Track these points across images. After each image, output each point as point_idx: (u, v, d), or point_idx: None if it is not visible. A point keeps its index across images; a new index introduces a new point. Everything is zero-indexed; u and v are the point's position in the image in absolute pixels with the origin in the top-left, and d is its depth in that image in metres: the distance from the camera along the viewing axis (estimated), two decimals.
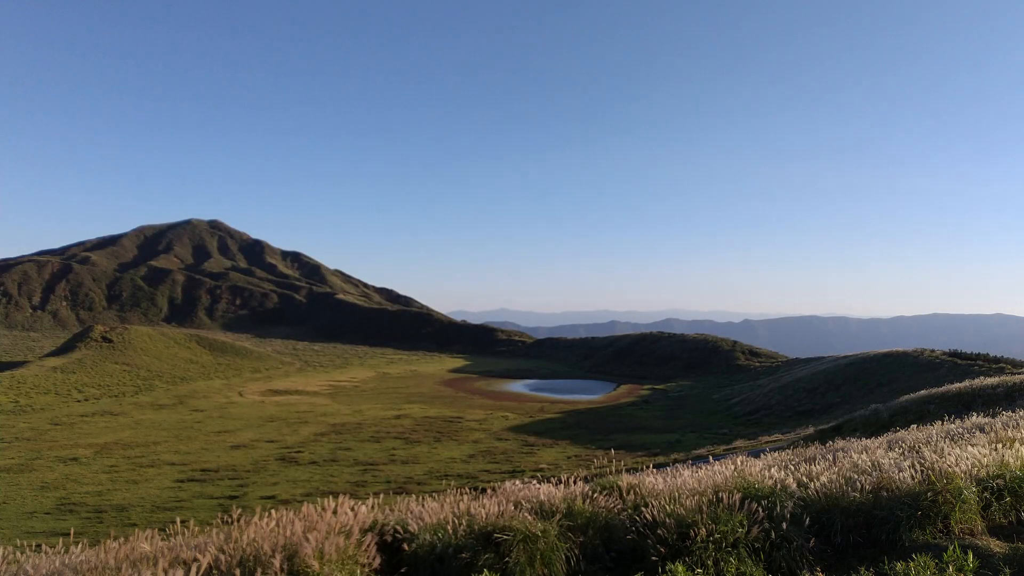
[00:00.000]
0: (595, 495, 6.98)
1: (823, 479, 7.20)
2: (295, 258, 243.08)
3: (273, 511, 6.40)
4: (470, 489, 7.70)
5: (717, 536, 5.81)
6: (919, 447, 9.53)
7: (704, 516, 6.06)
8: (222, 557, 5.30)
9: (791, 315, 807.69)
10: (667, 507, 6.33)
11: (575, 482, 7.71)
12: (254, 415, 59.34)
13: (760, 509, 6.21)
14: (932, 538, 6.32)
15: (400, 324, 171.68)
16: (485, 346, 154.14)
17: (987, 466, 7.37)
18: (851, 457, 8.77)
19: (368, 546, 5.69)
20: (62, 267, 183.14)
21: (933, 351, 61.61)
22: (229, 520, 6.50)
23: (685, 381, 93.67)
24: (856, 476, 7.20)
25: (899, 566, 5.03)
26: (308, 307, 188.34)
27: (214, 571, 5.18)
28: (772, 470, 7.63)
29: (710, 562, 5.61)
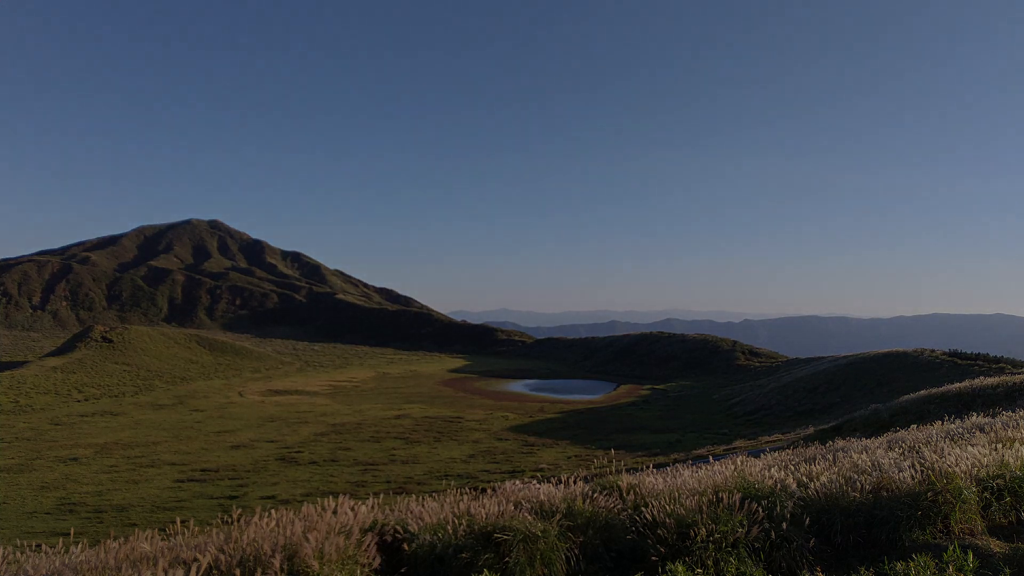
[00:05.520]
0: (595, 495, 6.98)
1: (823, 479, 7.20)
2: (295, 258, 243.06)
3: (273, 511, 6.40)
4: (470, 489, 7.71)
5: (717, 536, 5.81)
6: (919, 447, 9.53)
7: (704, 516, 6.07)
8: (222, 557, 5.31)
9: (791, 315, 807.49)
10: (667, 507, 6.33)
11: (575, 482, 7.72)
12: (254, 415, 59.32)
13: (760, 509, 6.21)
14: (932, 538, 6.32)
15: (400, 324, 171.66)
16: (485, 346, 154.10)
17: (987, 466, 7.37)
18: (851, 457, 8.77)
19: (368, 546, 5.69)
20: (62, 267, 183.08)
21: (933, 351, 61.60)
22: (229, 520, 6.51)
23: (685, 381, 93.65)
24: (856, 476, 7.20)
25: (899, 566, 5.03)
26: (308, 307, 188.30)
27: (214, 571, 5.18)
28: (772, 470, 7.64)
29: (710, 562, 5.61)
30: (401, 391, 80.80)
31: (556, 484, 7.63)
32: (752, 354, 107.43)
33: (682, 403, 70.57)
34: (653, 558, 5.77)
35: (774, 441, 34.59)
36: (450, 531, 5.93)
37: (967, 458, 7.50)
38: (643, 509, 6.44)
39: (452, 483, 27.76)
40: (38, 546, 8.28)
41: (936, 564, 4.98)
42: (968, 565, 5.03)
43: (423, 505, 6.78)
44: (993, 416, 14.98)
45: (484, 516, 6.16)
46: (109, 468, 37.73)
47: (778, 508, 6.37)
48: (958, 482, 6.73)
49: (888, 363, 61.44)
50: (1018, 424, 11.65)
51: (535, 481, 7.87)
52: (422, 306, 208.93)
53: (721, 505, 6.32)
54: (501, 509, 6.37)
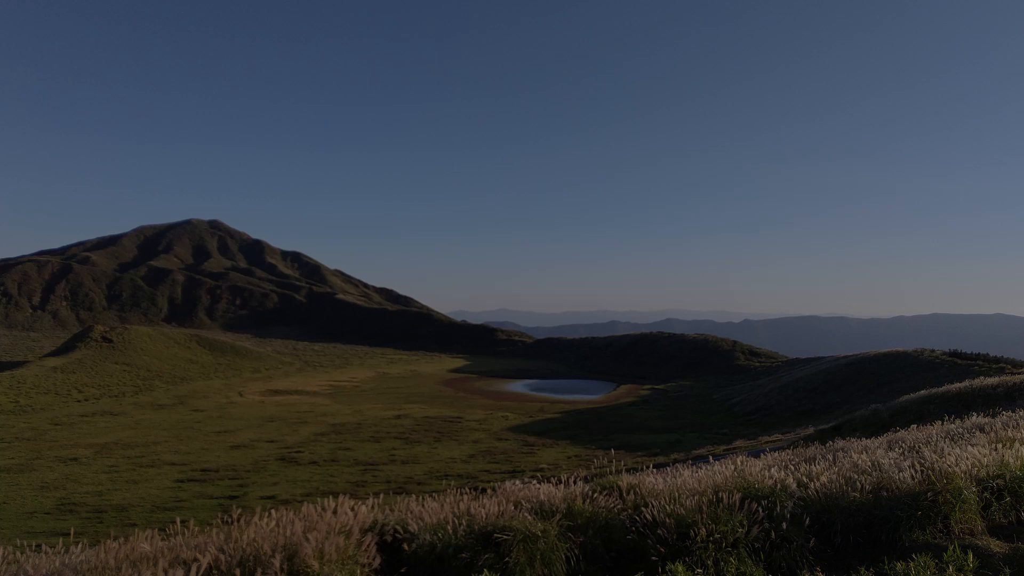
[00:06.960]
0: (595, 495, 6.97)
1: (823, 479, 7.19)
2: (295, 258, 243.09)
3: (273, 511, 6.40)
4: (470, 489, 7.70)
5: (717, 536, 5.80)
6: (919, 447, 9.52)
7: (704, 516, 6.06)
8: (222, 557, 5.30)
9: (791, 315, 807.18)
10: (667, 507, 6.32)
11: (575, 482, 7.71)
12: (254, 415, 59.33)
13: (760, 509, 6.20)
14: (932, 538, 6.32)
15: (400, 324, 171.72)
16: (485, 346, 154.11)
17: (987, 466, 7.36)
18: (851, 457, 8.76)
19: (368, 546, 5.69)
20: (62, 267, 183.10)
21: (933, 351, 61.60)
22: (229, 520, 6.50)
23: (685, 381, 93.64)
24: (856, 476, 7.19)
25: (899, 566, 5.03)
26: (308, 307, 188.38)
27: (214, 571, 5.18)
28: (772, 470, 7.63)
29: (710, 562, 5.61)
30: (401, 391, 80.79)
31: (556, 484, 7.61)
32: (752, 354, 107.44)
33: (682, 403, 70.58)
34: (653, 558, 5.76)
35: (774, 441, 34.58)
36: (450, 531, 5.93)
37: (967, 458, 7.49)
38: (643, 509, 6.43)
39: (452, 483, 27.74)
40: (38, 546, 8.27)
41: (936, 564, 4.98)
42: (968, 565, 5.03)
43: (423, 505, 6.77)
44: (993, 416, 14.97)
45: (484, 516, 6.15)
46: (109, 468, 37.73)
47: (778, 508, 6.36)
48: (958, 482, 6.72)
49: (888, 363, 61.44)
50: (1018, 424, 11.65)
51: (535, 481, 7.86)
52: (422, 306, 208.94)
53: (721, 505, 6.31)
54: (501, 509, 6.37)
